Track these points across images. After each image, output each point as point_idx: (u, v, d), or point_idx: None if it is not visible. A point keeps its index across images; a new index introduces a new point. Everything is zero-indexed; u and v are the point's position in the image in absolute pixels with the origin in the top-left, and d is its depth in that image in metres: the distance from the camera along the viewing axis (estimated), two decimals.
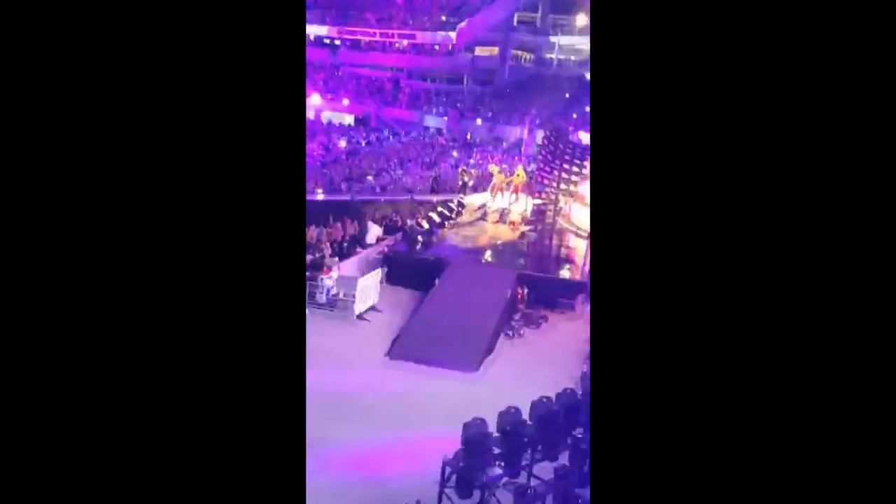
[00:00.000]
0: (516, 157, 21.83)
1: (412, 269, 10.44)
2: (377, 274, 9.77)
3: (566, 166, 14.86)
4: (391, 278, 10.19)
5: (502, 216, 14.40)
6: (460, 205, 14.52)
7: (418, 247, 11.07)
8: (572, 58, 30.51)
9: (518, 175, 15.32)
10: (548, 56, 31.09)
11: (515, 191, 15.03)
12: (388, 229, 12.27)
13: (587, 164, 13.91)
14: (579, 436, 4.85)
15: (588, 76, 25.12)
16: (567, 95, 28.10)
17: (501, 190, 15.30)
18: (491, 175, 16.29)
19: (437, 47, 31.01)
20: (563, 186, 14.69)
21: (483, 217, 14.41)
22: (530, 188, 15.30)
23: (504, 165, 17.88)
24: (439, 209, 13.39)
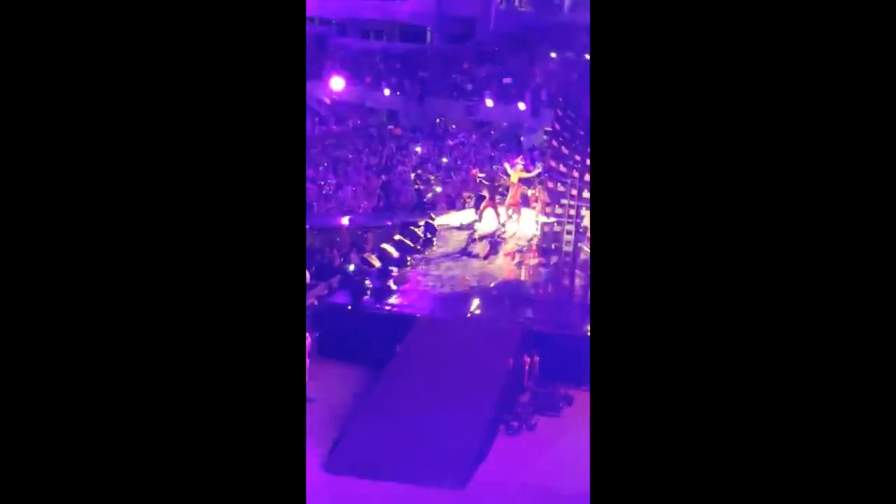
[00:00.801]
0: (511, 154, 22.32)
1: (357, 332, 10.79)
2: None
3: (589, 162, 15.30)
4: (324, 348, 10.51)
5: (496, 243, 14.90)
6: (431, 229, 14.96)
7: (367, 296, 11.53)
8: None
9: (512, 176, 15.95)
10: None
11: (514, 204, 15.51)
12: (318, 271, 12.50)
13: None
14: None
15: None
16: (587, 56, 29.04)
17: (516, 205, 15.80)
18: (492, 180, 16.66)
19: None
20: (585, 195, 15.08)
21: (468, 247, 14.91)
22: (539, 197, 15.85)
23: (518, 161, 17.92)
24: (397, 237, 13.77)
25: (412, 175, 17.90)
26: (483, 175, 17.11)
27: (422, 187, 17.41)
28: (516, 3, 32.39)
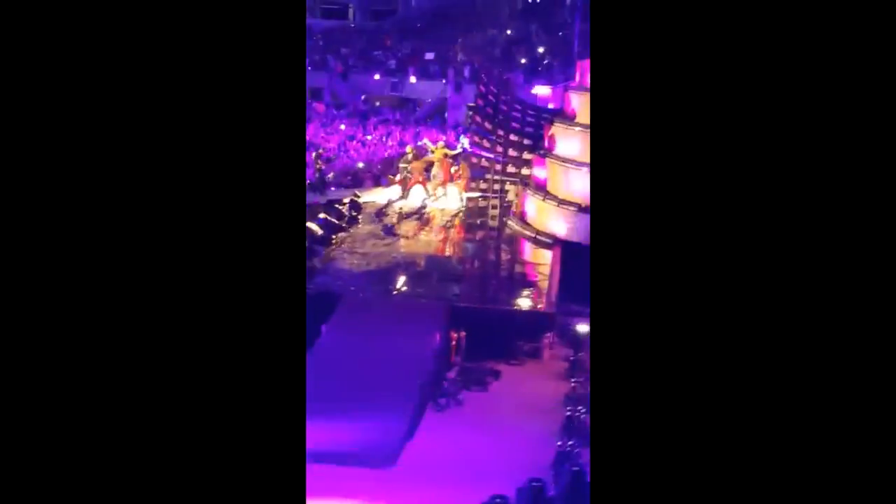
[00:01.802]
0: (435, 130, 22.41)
1: None
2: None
3: (514, 138, 15.42)
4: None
5: (422, 220, 15.00)
6: (355, 206, 14.94)
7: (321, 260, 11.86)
8: None
9: (435, 152, 16.02)
10: None
11: (442, 181, 15.65)
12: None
13: (549, 132, 14.46)
14: None
15: None
16: (508, 32, 29.28)
17: (423, 182, 16.04)
18: (420, 156, 16.78)
19: None
20: (512, 169, 15.18)
21: (393, 224, 14.99)
22: (462, 174, 15.96)
23: (441, 141, 18.01)
24: (322, 214, 13.68)
25: (313, 154, 17.76)
26: (412, 151, 17.17)
27: (323, 167, 17.39)
28: None
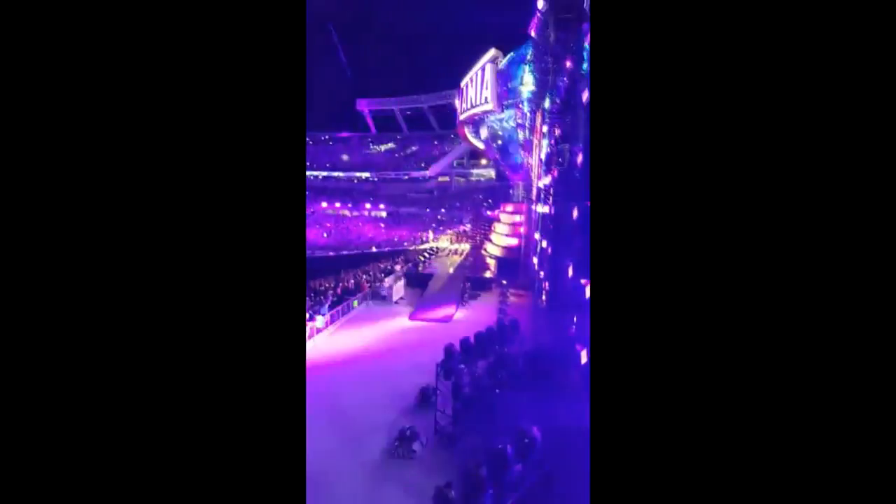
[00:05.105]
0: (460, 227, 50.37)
1: (418, 278, 35.04)
2: (402, 281, 34.38)
3: (483, 228, 41.38)
4: (409, 283, 34.26)
5: (452, 253, 40.85)
6: (436, 249, 41.19)
7: (420, 268, 36.02)
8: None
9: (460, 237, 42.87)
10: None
11: (459, 241, 41.98)
12: (407, 263, 37.40)
13: (494, 225, 39.37)
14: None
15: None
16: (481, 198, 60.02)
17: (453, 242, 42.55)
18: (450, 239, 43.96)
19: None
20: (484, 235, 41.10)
21: (445, 254, 40.64)
22: (467, 239, 42.36)
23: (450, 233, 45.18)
24: (427, 252, 39.79)
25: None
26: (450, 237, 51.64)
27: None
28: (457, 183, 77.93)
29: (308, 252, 61.55)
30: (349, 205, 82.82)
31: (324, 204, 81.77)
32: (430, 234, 60.36)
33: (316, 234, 71.05)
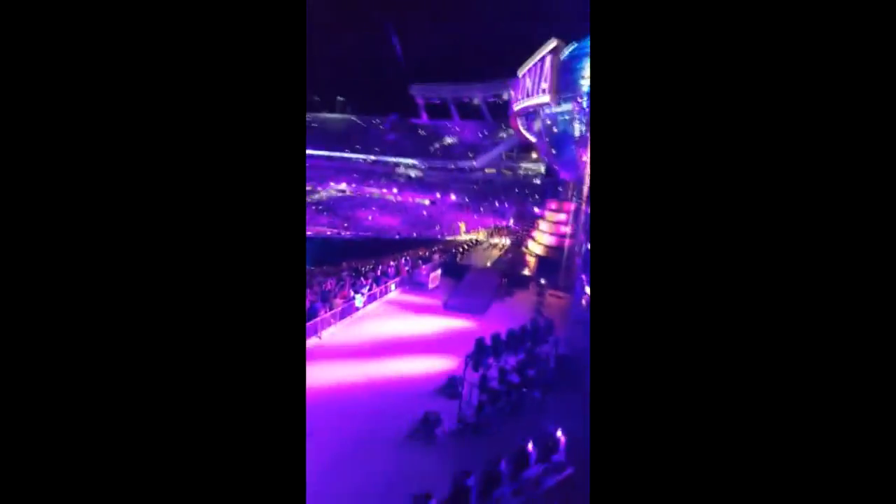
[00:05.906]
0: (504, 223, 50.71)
1: (455, 269, 34.96)
2: (439, 270, 34.43)
3: (526, 224, 41.77)
4: (445, 273, 34.15)
5: (491, 247, 40.35)
6: (476, 241, 40.83)
7: (459, 259, 35.84)
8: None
9: (503, 231, 42.52)
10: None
11: (499, 235, 41.45)
12: (444, 253, 37.42)
13: (538, 222, 39.33)
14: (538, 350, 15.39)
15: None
16: (527, 192, 60.23)
17: (492, 236, 42.05)
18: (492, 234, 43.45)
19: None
20: (526, 232, 40.98)
21: (484, 247, 40.36)
22: (509, 233, 42.01)
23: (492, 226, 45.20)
24: (467, 244, 39.42)
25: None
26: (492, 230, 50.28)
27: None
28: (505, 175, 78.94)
29: (353, 233, 61.92)
30: (394, 190, 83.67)
31: (376, 191, 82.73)
32: (463, 227, 59.83)
33: (363, 216, 71.66)
